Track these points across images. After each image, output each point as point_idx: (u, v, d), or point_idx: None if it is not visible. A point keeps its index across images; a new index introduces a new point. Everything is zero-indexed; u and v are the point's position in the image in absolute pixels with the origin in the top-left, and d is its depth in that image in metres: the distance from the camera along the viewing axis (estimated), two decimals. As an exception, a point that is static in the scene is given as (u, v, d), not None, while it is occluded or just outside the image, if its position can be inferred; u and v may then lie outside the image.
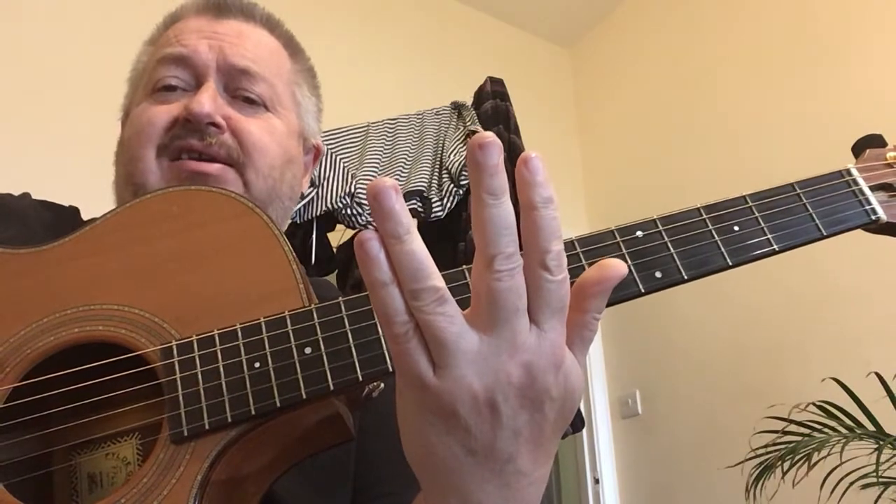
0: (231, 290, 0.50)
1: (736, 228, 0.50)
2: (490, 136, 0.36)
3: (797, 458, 1.64)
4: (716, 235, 0.50)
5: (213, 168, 0.66)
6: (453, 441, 0.38)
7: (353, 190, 2.05)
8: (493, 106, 2.31)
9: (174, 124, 0.67)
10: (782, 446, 1.69)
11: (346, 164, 2.13)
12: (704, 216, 0.51)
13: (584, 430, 2.84)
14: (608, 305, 0.42)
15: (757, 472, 1.71)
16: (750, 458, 1.75)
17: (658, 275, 0.48)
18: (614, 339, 3.05)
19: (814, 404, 1.74)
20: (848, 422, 1.70)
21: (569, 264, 0.40)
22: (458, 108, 2.32)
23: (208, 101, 0.66)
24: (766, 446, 1.74)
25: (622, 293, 0.47)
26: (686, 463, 2.63)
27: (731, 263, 0.49)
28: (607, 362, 3.11)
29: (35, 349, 0.48)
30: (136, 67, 0.76)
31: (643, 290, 0.48)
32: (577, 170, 3.50)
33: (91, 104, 2.06)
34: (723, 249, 0.49)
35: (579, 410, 2.34)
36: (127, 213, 0.55)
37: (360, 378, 0.45)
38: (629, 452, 2.90)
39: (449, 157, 2.15)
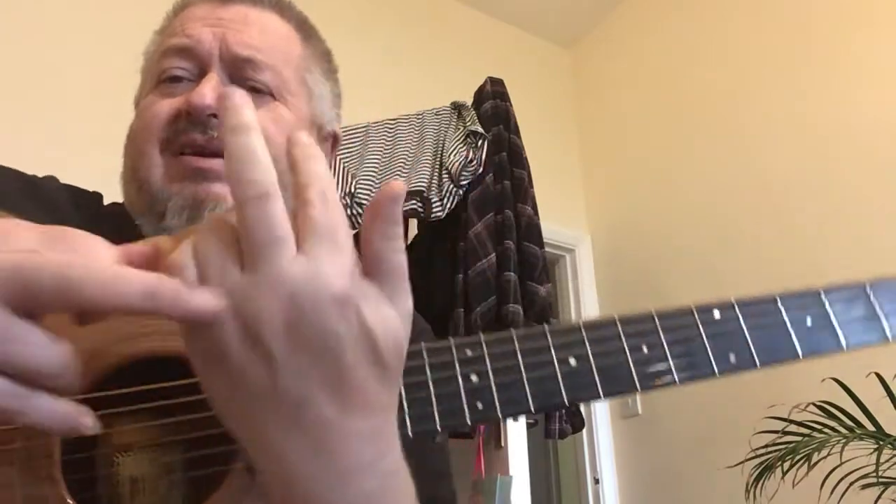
0: None
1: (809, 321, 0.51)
2: (236, 92, 0.37)
3: (797, 458, 1.64)
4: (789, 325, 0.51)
5: (215, 163, 0.64)
6: (235, 386, 0.36)
7: (353, 190, 2.05)
8: (492, 106, 2.31)
9: (178, 117, 0.65)
10: (782, 446, 1.69)
11: (346, 164, 2.13)
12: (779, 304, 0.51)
13: (584, 430, 2.84)
14: (643, 390, 0.44)
15: (757, 472, 1.71)
16: (750, 458, 1.75)
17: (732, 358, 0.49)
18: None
19: (814, 404, 1.74)
20: (848, 422, 1.69)
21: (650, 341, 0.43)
22: (458, 108, 2.32)
23: (210, 91, 0.64)
24: (766, 446, 1.73)
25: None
26: (686, 463, 2.63)
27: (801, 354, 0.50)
28: (607, 362, 3.10)
29: (112, 356, 0.46)
30: (146, 58, 0.74)
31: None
32: (577, 170, 3.50)
33: (99, 93, 2.07)
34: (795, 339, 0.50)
35: (579, 410, 2.34)
36: None
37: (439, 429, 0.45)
38: (629, 452, 2.90)
39: (449, 157, 2.15)
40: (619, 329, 0.48)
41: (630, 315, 0.49)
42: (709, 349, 0.48)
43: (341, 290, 0.35)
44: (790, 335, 0.50)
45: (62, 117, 2.14)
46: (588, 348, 0.47)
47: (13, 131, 1.99)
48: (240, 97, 0.36)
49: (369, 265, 0.37)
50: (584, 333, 0.47)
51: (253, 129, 0.36)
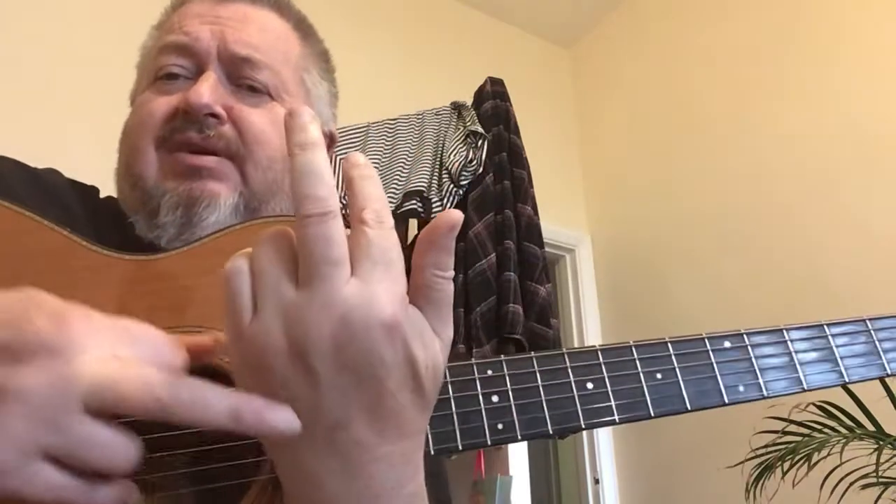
0: None
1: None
2: (305, 110, 0.37)
3: (797, 458, 1.64)
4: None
5: (210, 161, 0.64)
6: (276, 399, 0.36)
7: (353, 190, 2.05)
8: (492, 106, 2.31)
9: (174, 115, 0.65)
10: (782, 446, 1.69)
11: (346, 164, 2.13)
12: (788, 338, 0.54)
13: (584, 430, 2.84)
14: (656, 415, 0.45)
15: (757, 472, 1.71)
16: (750, 458, 1.75)
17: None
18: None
19: (814, 404, 1.73)
20: (848, 422, 1.69)
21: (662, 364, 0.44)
22: (458, 108, 2.32)
23: (207, 91, 0.64)
24: (766, 446, 1.73)
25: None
26: (686, 463, 2.63)
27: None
28: (607, 362, 3.10)
29: None
30: (143, 53, 0.74)
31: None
32: (577, 170, 3.50)
33: (99, 92, 2.06)
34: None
35: (579, 410, 2.33)
36: (239, 235, 0.52)
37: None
38: (629, 452, 2.90)
39: (449, 157, 2.15)
40: (635, 355, 0.50)
41: (645, 341, 0.51)
42: (719, 379, 0.50)
43: (391, 316, 0.36)
44: (796, 369, 0.52)
45: (62, 117, 2.14)
46: (605, 373, 0.49)
47: (13, 131, 1.99)
48: (308, 115, 0.37)
49: (419, 291, 0.38)
50: (601, 358, 0.49)
51: (319, 146, 0.37)
